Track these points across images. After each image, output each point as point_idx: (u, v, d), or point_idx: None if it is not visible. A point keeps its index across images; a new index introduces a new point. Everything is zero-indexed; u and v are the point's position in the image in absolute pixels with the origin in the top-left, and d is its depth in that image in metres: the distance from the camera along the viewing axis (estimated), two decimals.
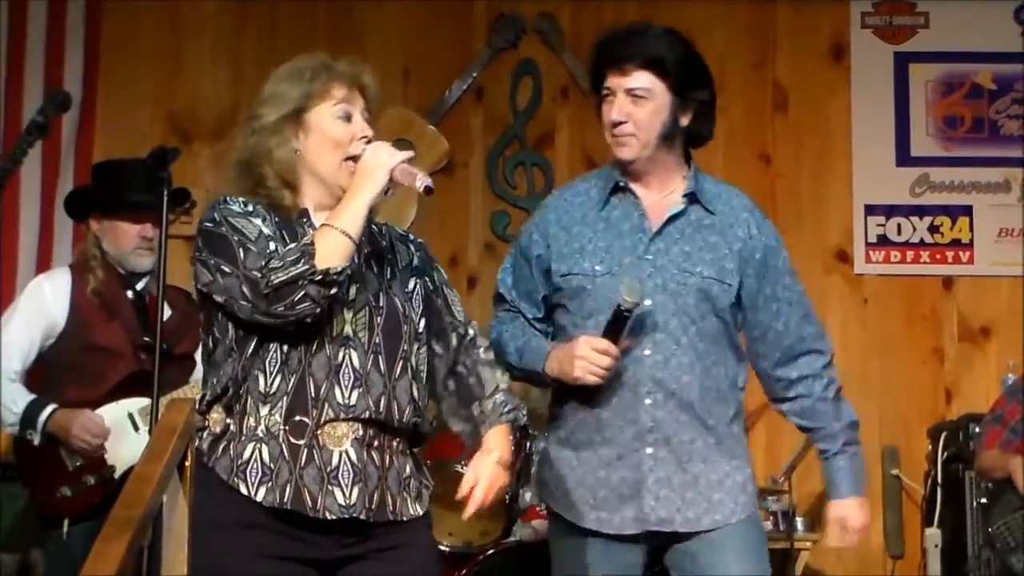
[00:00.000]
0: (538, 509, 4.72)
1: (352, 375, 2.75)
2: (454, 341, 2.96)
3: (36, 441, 4.08)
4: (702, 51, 3.22)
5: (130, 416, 4.15)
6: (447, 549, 4.65)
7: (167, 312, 4.13)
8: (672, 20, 5.73)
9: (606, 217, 3.16)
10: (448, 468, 4.64)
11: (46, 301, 4.22)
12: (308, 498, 2.71)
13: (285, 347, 2.74)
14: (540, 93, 6.04)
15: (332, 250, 2.69)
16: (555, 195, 3.31)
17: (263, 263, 2.68)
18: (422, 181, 2.75)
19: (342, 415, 2.74)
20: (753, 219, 3.19)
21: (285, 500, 2.71)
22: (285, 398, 2.73)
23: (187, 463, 2.86)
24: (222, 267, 2.72)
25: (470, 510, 2.87)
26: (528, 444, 4.85)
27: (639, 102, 3.06)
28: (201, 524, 2.78)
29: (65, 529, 4.05)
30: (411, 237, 3.02)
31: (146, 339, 4.15)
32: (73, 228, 5.48)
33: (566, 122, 6.03)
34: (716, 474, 3.11)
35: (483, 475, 2.87)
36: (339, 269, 2.68)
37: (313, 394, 2.74)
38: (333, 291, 2.69)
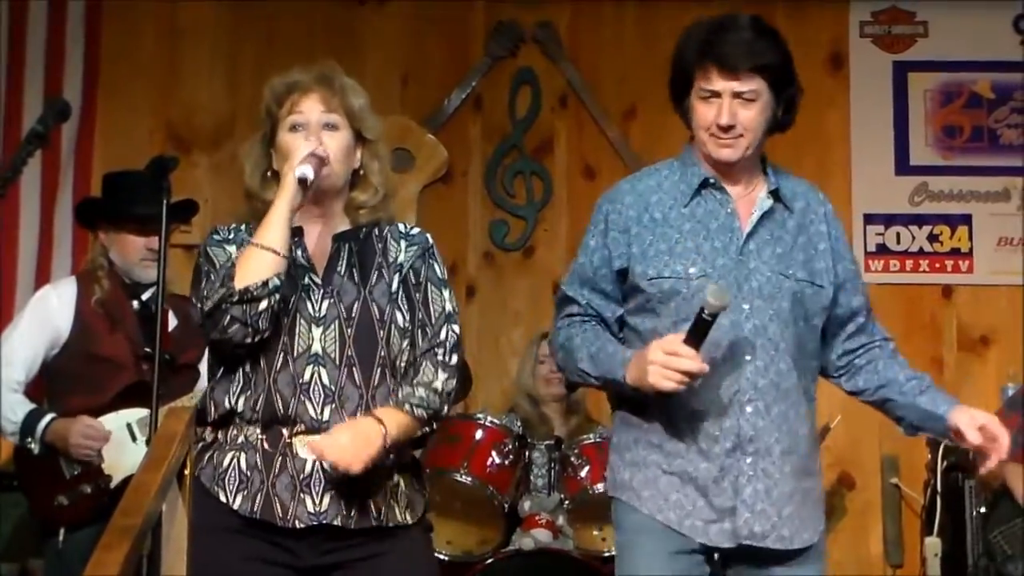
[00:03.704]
0: (537, 519, 4.72)
1: (322, 392, 2.76)
2: (420, 340, 2.89)
3: (35, 450, 4.09)
4: None
5: (128, 427, 4.16)
6: (446, 558, 4.65)
7: (173, 322, 4.16)
8: (671, 28, 5.74)
9: (691, 215, 3.01)
10: (447, 477, 4.65)
11: (52, 312, 4.23)
12: (279, 507, 2.73)
13: (248, 366, 2.78)
14: (539, 102, 6.04)
15: (250, 267, 2.71)
16: (626, 189, 3.09)
17: (204, 292, 2.74)
18: (300, 170, 2.73)
19: (314, 429, 2.75)
20: (827, 212, 3.13)
21: (255, 509, 2.74)
22: (259, 412, 2.76)
23: (186, 471, 2.86)
24: (192, 296, 2.82)
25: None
26: (526, 453, 4.84)
27: (748, 105, 2.96)
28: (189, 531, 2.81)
29: (61, 537, 4.05)
30: (412, 233, 2.98)
31: (147, 349, 4.15)
32: (72, 236, 5.50)
33: (565, 131, 6.03)
34: (808, 488, 3.01)
35: (327, 444, 2.72)
36: (259, 284, 2.69)
37: (282, 411, 2.75)
38: (262, 306, 2.69)
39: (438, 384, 2.84)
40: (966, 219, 5.94)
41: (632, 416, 3.03)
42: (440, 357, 2.87)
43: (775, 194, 3.04)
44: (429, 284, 2.92)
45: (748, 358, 2.93)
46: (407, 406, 2.80)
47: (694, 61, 2.98)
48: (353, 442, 2.71)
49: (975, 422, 2.94)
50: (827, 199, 3.16)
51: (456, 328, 2.92)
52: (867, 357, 3.11)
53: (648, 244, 2.99)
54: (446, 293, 2.94)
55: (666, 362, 2.82)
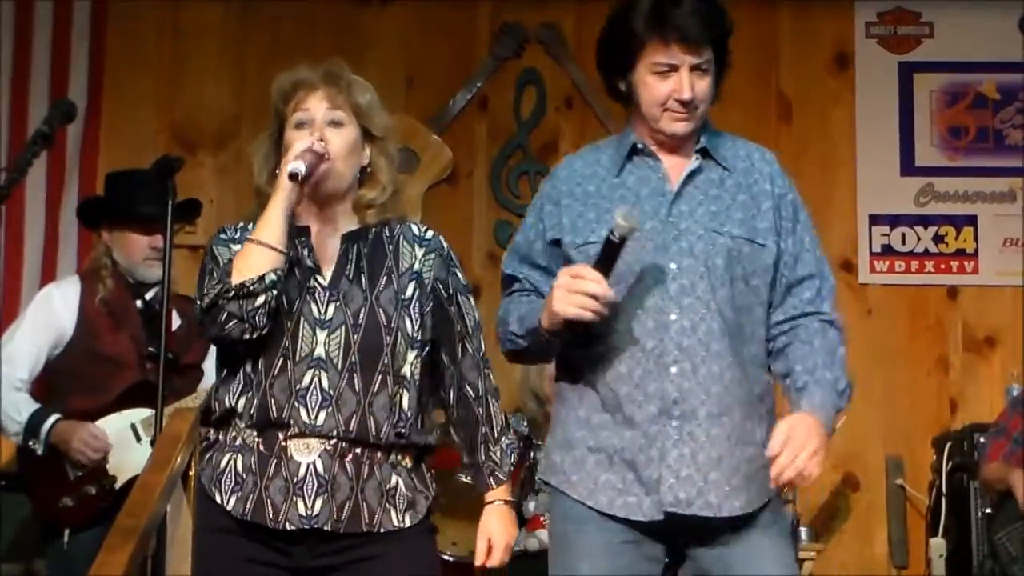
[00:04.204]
0: (542, 519, 4.71)
1: (320, 396, 2.76)
2: (460, 353, 2.94)
3: (39, 451, 4.09)
4: None
5: (133, 427, 4.16)
6: (451, 558, 4.64)
7: (177, 321, 4.15)
8: None
9: (623, 183, 2.92)
10: (452, 478, 4.64)
11: (55, 310, 4.23)
12: (270, 509, 2.74)
13: (249, 367, 2.78)
14: (544, 103, 6.04)
15: (247, 263, 2.71)
16: (564, 164, 3.05)
17: (204, 289, 2.76)
18: (292, 166, 2.73)
19: (308, 432, 2.75)
20: (774, 171, 2.97)
21: (247, 511, 2.75)
22: (254, 416, 2.76)
23: (191, 472, 2.86)
24: (195, 296, 2.83)
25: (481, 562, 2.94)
26: (532, 454, 4.84)
27: (703, 76, 2.87)
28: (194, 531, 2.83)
29: (65, 539, 4.05)
30: (427, 237, 2.96)
31: (151, 350, 4.14)
32: (78, 236, 5.50)
33: (570, 132, 6.02)
34: (741, 455, 2.82)
35: (495, 535, 2.94)
36: (255, 279, 2.69)
37: (276, 415, 2.75)
38: (259, 301, 2.70)
39: (502, 420, 2.98)
40: (971, 220, 5.93)
41: (566, 389, 2.93)
42: (492, 382, 3.00)
43: (703, 152, 2.94)
44: (459, 295, 2.96)
45: (673, 317, 2.80)
46: (506, 472, 2.97)
47: (644, 32, 2.86)
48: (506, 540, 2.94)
49: (780, 433, 2.74)
50: (775, 159, 3.01)
51: (483, 338, 3.01)
52: (786, 338, 2.91)
53: (577, 215, 2.91)
54: (472, 301, 3.01)
55: (569, 284, 2.72)
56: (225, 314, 2.70)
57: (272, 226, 2.73)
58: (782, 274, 2.92)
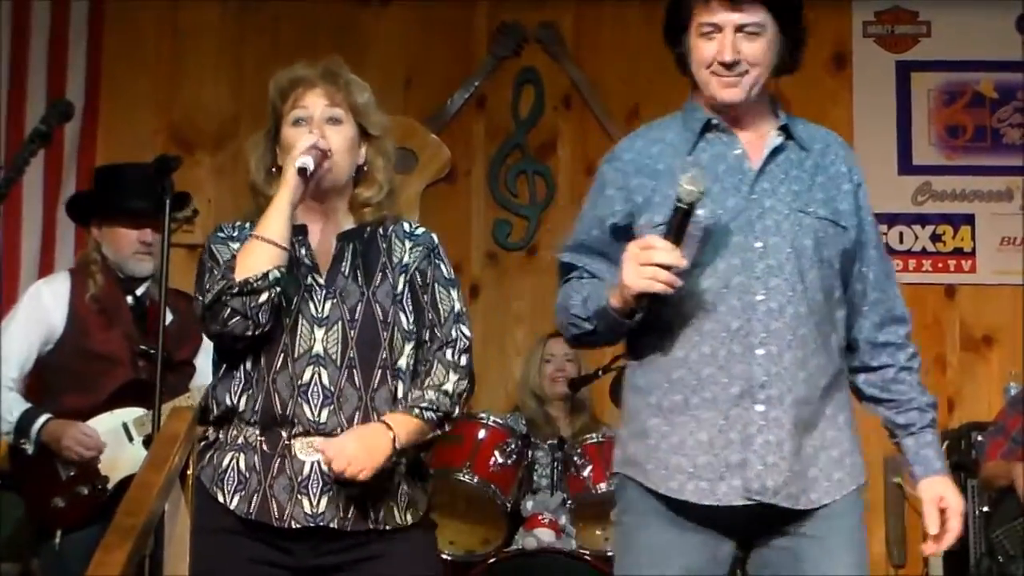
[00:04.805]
0: (540, 518, 4.71)
1: (321, 393, 2.75)
2: (428, 339, 2.87)
3: (30, 450, 4.06)
4: None
5: (124, 426, 4.12)
6: (449, 557, 4.65)
7: (169, 317, 4.11)
8: None
9: (695, 161, 2.77)
10: (450, 477, 4.65)
11: (45, 306, 4.19)
12: (275, 508, 2.73)
13: (249, 365, 2.78)
14: (542, 102, 6.04)
15: (251, 259, 2.71)
16: (624, 147, 2.90)
17: (206, 286, 2.74)
18: (300, 160, 2.72)
19: (312, 430, 2.75)
20: (849, 156, 2.88)
21: (251, 510, 2.74)
22: (257, 413, 2.76)
23: (188, 471, 2.86)
24: (195, 294, 2.80)
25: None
26: (530, 452, 4.84)
27: (752, 39, 2.72)
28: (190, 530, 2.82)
29: (58, 540, 4.02)
30: (417, 232, 2.95)
31: (143, 347, 4.13)
32: (75, 234, 5.48)
33: (568, 131, 6.03)
34: (821, 444, 2.74)
35: (334, 452, 2.71)
36: (259, 275, 2.69)
37: (280, 411, 2.75)
38: (262, 298, 2.69)
39: (448, 386, 2.82)
40: (969, 219, 5.93)
41: (638, 377, 2.82)
42: (450, 357, 2.85)
43: (785, 130, 2.83)
44: (436, 284, 2.89)
45: (760, 298, 2.69)
46: (417, 410, 2.78)
47: None
48: (361, 449, 2.70)
49: (937, 502, 2.85)
50: (850, 148, 2.94)
51: (466, 329, 2.89)
52: (883, 360, 2.88)
53: (652, 191, 2.77)
54: (454, 293, 2.91)
55: (638, 256, 2.60)
56: (228, 310, 2.70)
57: (276, 222, 2.73)
58: (861, 271, 2.84)
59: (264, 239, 2.71)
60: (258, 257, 2.70)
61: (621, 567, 2.80)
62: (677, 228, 2.61)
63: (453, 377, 2.83)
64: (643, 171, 2.81)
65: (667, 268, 2.59)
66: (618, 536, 2.87)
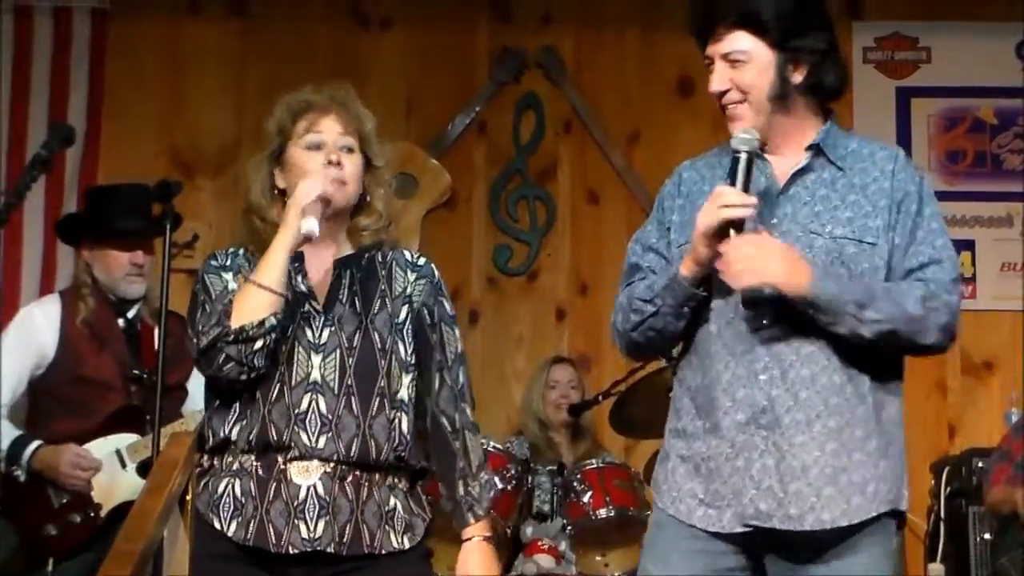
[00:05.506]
0: (539, 544, 4.70)
1: (319, 420, 2.75)
2: (437, 384, 2.90)
3: (22, 478, 4.02)
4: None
5: (118, 453, 4.09)
6: None
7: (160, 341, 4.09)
8: (674, 53, 5.77)
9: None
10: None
11: (36, 330, 4.15)
12: (272, 534, 2.72)
13: (244, 396, 2.77)
14: (543, 127, 6.05)
15: (247, 306, 2.70)
16: (686, 166, 2.95)
17: (200, 326, 2.73)
18: (307, 226, 2.72)
19: (308, 455, 2.75)
20: (896, 168, 2.83)
21: (248, 536, 2.73)
22: (252, 442, 2.75)
23: (188, 497, 2.86)
24: (188, 328, 2.80)
25: None
26: (530, 478, 4.83)
27: (739, 67, 2.76)
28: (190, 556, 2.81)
29: (50, 568, 3.97)
30: (419, 263, 2.97)
31: (135, 372, 4.10)
32: (76, 257, 5.47)
33: (568, 155, 6.03)
34: (838, 464, 2.69)
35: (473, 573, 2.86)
36: (255, 323, 2.68)
37: (276, 440, 2.74)
38: (257, 345, 2.69)
39: (484, 474, 2.92)
40: (969, 244, 5.93)
41: (673, 400, 2.87)
42: (473, 415, 2.93)
43: (816, 150, 2.83)
44: (443, 324, 2.92)
45: (765, 322, 2.72)
46: (484, 507, 2.89)
47: (695, 33, 2.82)
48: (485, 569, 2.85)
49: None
50: (902, 156, 2.88)
51: (466, 370, 2.95)
52: None
53: (687, 214, 2.82)
54: (457, 332, 2.95)
55: (712, 200, 2.68)
56: (223, 356, 2.70)
57: (274, 269, 2.72)
58: (893, 269, 2.78)
59: (261, 286, 2.71)
60: (255, 304, 2.70)
61: (640, 562, 2.91)
62: (744, 176, 2.70)
63: (478, 446, 2.93)
64: (691, 192, 2.88)
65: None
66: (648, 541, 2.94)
